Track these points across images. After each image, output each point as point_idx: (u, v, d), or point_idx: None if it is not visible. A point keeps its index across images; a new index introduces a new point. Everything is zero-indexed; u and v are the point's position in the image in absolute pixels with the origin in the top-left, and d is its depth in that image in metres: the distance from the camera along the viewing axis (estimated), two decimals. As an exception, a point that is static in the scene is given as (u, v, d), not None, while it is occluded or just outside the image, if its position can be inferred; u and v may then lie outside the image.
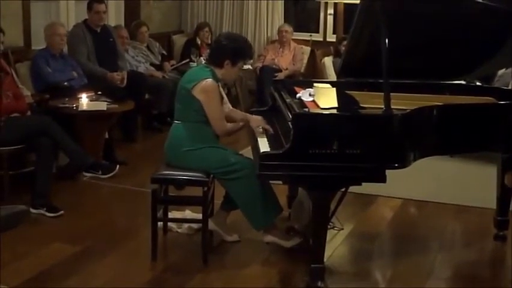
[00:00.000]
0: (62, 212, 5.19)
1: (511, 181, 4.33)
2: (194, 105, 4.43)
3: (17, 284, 4.02)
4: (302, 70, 9.50)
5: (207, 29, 9.30)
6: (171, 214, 4.96)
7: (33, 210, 5.16)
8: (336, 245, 4.80)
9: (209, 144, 4.48)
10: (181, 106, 4.54)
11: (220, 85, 4.59)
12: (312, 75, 9.19)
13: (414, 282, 4.31)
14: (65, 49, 6.97)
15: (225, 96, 4.74)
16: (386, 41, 4.03)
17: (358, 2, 4.49)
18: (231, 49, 4.49)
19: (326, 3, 9.90)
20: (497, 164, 4.89)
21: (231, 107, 4.82)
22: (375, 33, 4.16)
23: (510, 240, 4.98)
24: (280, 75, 8.93)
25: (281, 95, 4.75)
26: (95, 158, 6.07)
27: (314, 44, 9.79)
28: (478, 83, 5.69)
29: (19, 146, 5.43)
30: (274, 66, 9.31)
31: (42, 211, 5.18)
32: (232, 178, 4.41)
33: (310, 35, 9.98)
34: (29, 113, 5.77)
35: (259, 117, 4.72)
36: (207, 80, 4.42)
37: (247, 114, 4.86)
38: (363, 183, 4.01)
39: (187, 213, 5.08)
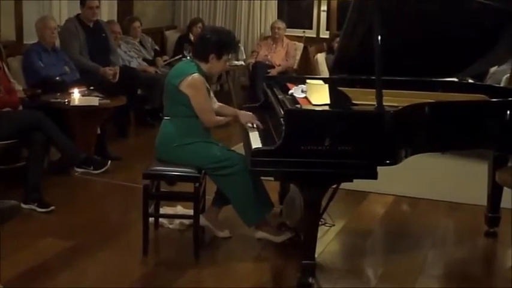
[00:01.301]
0: (53, 207, 5.18)
1: (502, 178, 4.34)
2: (182, 100, 4.43)
3: (8, 279, 4.01)
4: (295, 66, 9.52)
5: (200, 24, 9.28)
6: (163, 210, 4.95)
7: (24, 206, 5.14)
8: (327, 242, 4.81)
9: (200, 139, 4.48)
10: (170, 102, 4.53)
11: (205, 79, 4.58)
12: (304, 71, 9.19)
13: (406, 278, 4.32)
14: (58, 43, 6.96)
15: (211, 92, 4.74)
16: (379, 37, 4.04)
17: (351, -2, 4.50)
18: (215, 43, 4.50)
19: (319, -1, 9.91)
20: (488, 161, 4.90)
21: (217, 103, 4.81)
22: (368, 30, 4.17)
23: (501, 236, 5.00)
24: (273, 72, 8.94)
25: (273, 91, 4.75)
26: (87, 153, 6.06)
27: (307, 41, 9.79)
28: (470, 81, 5.70)
29: (11, 141, 5.42)
30: (267, 62, 9.32)
31: (33, 206, 5.17)
32: (223, 174, 4.41)
33: (304, 32, 9.98)
34: (20, 107, 5.75)
35: (248, 113, 4.73)
36: (194, 75, 4.42)
37: (237, 110, 4.87)
38: (355, 180, 4.01)
39: (179, 209, 5.08)
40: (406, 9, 4.44)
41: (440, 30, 4.63)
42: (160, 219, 4.89)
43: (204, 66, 4.52)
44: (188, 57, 5.88)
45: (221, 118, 4.63)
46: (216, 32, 4.65)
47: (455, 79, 5.31)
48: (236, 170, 4.37)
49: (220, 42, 4.51)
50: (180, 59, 8.38)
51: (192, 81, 4.41)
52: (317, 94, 4.34)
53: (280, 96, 4.50)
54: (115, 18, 8.66)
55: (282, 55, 9.44)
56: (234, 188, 4.43)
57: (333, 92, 4.39)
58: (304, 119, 3.98)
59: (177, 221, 4.92)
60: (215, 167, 4.42)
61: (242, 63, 9.40)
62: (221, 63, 4.58)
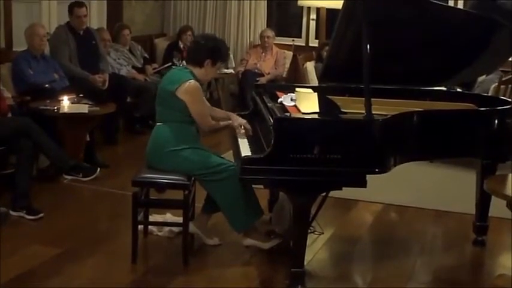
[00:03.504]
0: (41, 214, 5.16)
1: (491, 187, 4.36)
2: (178, 106, 4.43)
3: (-4, 286, 4.01)
4: (284, 75, 9.53)
5: (189, 32, 9.28)
6: (152, 217, 4.95)
7: (13, 213, 5.14)
8: (317, 249, 4.82)
9: (191, 145, 4.48)
10: (163, 108, 4.53)
11: None
12: (293, 80, 9.19)
13: (394, 286, 4.33)
14: (47, 51, 6.95)
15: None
16: (368, 46, 4.06)
17: (340, 7, 4.51)
18: (211, 48, 4.53)
19: (309, 8, 9.93)
20: (476, 170, 4.92)
21: (208, 105, 4.83)
22: (357, 38, 4.18)
23: (489, 245, 5.02)
24: (262, 80, 8.95)
25: (263, 99, 4.77)
26: (75, 160, 6.04)
27: (296, 49, 9.81)
28: (458, 89, 5.74)
29: (-1, 148, 5.42)
30: (256, 70, 9.33)
31: (22, 213, 5.15)
32: (213, 180, 4.41)
33: (293, 40, 10.00)
34: (9, 114, 5.74)
35: (240, 117, 4.77)
36: (190, 81, 4.44)
37: (229, 112, 4.92)
38: (344, 188, 4.03)
39: (168, 217, 5.08)
40: (395, 19, 4.46)
41: (428, 39, 4.66)
42: (150, 227, 4.89)
43: (197, 72, 4.53)
44: (179, 65, 5.90)
45: (217, 122, 4.67)
46: (212, 39, 4.70)
47: (443, 88, 5.33)
48: (226, 176, 4.37)
49: (216, 49, 4.55)
50: (169, 67, 8.40)
51: (189, 87, 4.42)
52: (306, 102, 4.36)
53: (269, 105, 4.52)
54: (104, 25, 8.66)
55: (271, 63, 9.46)
56: (223, 194, 4.43)
57: (322, 101, 4.41)
58: (294, 127, 4.00)
59: (167, 228, 4.91)
60: (206, 172, 4.42)
61: (231, 71, 9.40)
62: (214, 70, 4.61)
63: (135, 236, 4.43)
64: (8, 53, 6.91)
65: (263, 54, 9.51)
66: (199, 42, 4.66)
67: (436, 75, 4.97)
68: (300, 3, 9.68)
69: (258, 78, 9.00)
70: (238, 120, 4.69)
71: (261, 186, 4.31)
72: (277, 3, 10.60)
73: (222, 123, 4.71)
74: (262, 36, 9.53)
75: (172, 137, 4.47)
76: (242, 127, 4.67)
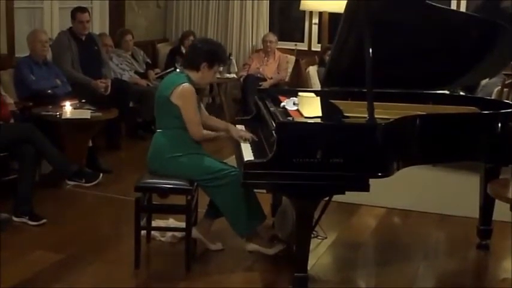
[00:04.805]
0: (44, 220, 5.16)
1: (495, 191, 4.35)
2: (174, 111, 4.41)
3: (-1, 292, 4.01)
4: (287, 79, 9.53)
5: (192, 37, 9.26)
6: (155, 222, 4.94)
7: (15, 219, 5.14)
8: (320, 254, 4.80)
9: (192, 151, 4.47)
10: (161, 114, 4.53)
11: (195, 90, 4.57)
12: (296, 84, 9.19)
13: (397, 290, 4.33)
14: (49, 56, 6.95)
15: (201, 104, 4.74)
16: (370, 50, 4.05)
17: (342, 11, 4.50)
18: (207, 51, 4.51)
19: (311, 12, 9.92)
20: (480, 174, 4.91)
21: (206, 114, 4.80)
22: (359, 42, 4.18)
23: (493, 249, 5.00)
24: (265, 84, 8.94)
25: (265, 103, 4.76)
26: (78, 166, 6.04)
27: (299, 53, 9.81)
28: (461, 93, 5.72)
29: (2, 154, 5.40)
30: (258, 75, 9.33)
31: (24, 219, 5.15)
32: (216, 185, 4.40)
33: (295, 44, 10.00)
34: (12, 120, 5.74)
35: (239, 128, 4.73)
36: (184, 84, 4.42)
37: (228, 123, 4.87)
38: (347, 192, 4.02)
39: (171, 222, 5.07)
40: (397, 22, 4.45)
41: (430, 43, 4.66)
42: (152, 232, 4.89)
43: (194, 76, 4.51)
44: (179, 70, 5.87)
45: (209, 132, 4.61)
46: (207, 42, 4.70)
47: (446, 91, 5.33)
48: (228, 181, 4.36)
49: (212, 52, 4.53)
50: (171, 72, 8.37)
51: (182, 91, 4.40)
52: (309, 107, 4.35)
53: (272, 109, 4.51)
54: (107, 31, 8.66)
55: (274, 68, 9.46)
56: (226, 199, 4.42)
57: (324, 105, 4.41)
58: (296, 131, 3.99)
59: (169, 233, 4.91)
60: (207, 178, 4.41)
61: (234, 76, 9.40)
62: (211, 74, 4.58)
63: (138, 242, 4.42)
64: (10, 59, 6.92)
65: (266, 58, 9.51)
66: (196, 45, 4.66)
67: (439, 78, 4.96)
68: (302, 7, 9.68)
69: (260, 83, 8.98)
70: (238, 133, 4.64)
71: (264, 191, 4.30)
72: (279, 7, 10.60)
73: (213, 133, 4.65)
74: (264, 41, 9.52)
75: (172, 144, 4.46)
76: (244, 138, 4.62)
